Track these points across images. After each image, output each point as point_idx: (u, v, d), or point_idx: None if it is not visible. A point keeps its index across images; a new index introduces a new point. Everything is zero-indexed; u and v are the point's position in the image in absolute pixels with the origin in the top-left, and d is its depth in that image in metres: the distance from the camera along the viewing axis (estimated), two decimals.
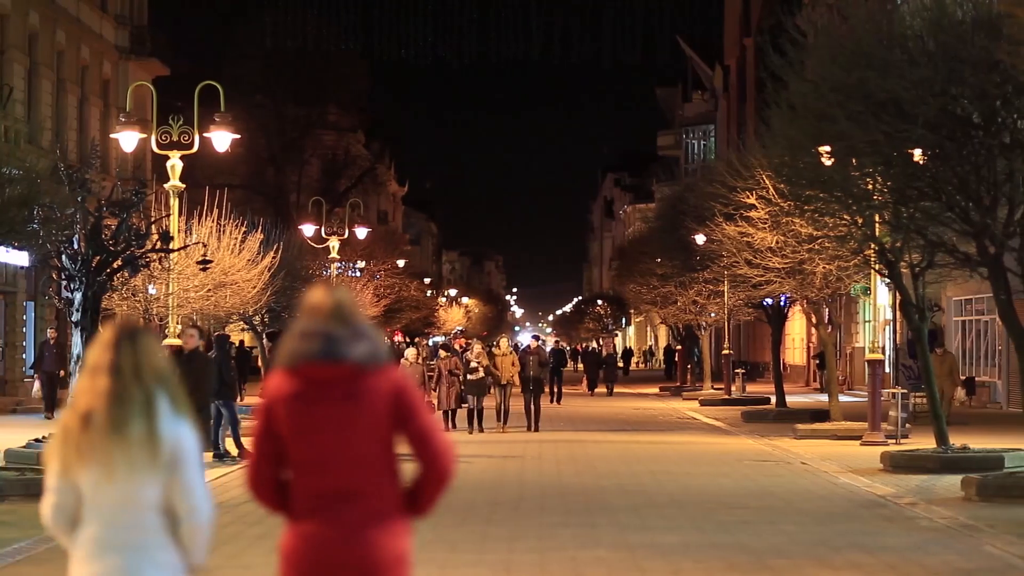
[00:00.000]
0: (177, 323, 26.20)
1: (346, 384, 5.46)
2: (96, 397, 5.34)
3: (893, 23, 19.85)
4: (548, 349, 50.08)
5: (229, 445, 25.29)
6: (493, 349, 36.53)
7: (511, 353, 33.78)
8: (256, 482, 5.63)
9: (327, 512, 5.51)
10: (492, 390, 32.74)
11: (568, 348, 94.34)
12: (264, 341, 38.33)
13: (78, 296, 23.04)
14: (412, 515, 5.62)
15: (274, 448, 5.55)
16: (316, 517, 5.51)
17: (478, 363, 32.06)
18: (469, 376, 31.97)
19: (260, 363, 40.35)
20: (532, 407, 32.86)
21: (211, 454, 23.29)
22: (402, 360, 32.23)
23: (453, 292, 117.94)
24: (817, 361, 53.71)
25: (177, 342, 23.82)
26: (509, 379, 32.63)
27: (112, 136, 32.75)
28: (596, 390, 58.89)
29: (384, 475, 5.55)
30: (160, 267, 27.99)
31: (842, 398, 36.89)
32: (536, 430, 31.98)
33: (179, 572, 5.34)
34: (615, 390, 59.98)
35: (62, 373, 33.07)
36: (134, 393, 5.33)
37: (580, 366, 68.09)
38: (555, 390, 47.33)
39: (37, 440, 23.71)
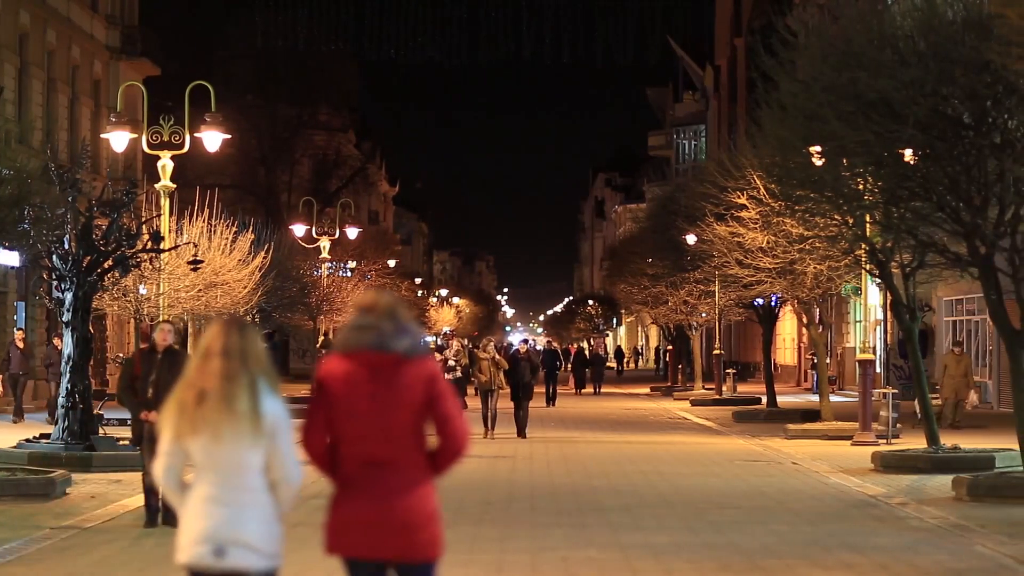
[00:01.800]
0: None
1: (390, 370, 6.70)
2: (209, 377, 6.44)
3: (884, 23, 19.86)
4: (539, 350, 49.43)
5: None
6: (476, 351, 34.73)
7: (497, 356, 31.83)
8: (310, 445, 6.76)
9: (369, 477, 6.68)
10: (471, 393, 30.77)
11: (559, 349, 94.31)
12: None
13: (69, 296, 23.02)
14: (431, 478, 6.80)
15: (325, 417, 6.73)
16: (359, 482, 6.69)
17: (456, 362, 30.92)
18: (446, 375, 29.06)
19: None
20: (521, 413, 31.08)
21: None
22: None
23: (444, 292, 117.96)
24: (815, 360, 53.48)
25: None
26: (495, 384, 30.97)
27: (103, 136, 32.66)
28: (583, 390, 59.00)
29: (416, 446, 6.74)
30: (151, 267, 27.98)
31: (833, 398, 36.89)
32: (524, 436, 30.40)
33: (274, 520, 6.49)
34: (602, 390, 60.11)
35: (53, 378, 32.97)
36: (241, 375, 6.44)
37: (568, 366, 68.00)
38: (550, 391, 46.58)
39: (28, 440, 23.69)
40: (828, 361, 42.55)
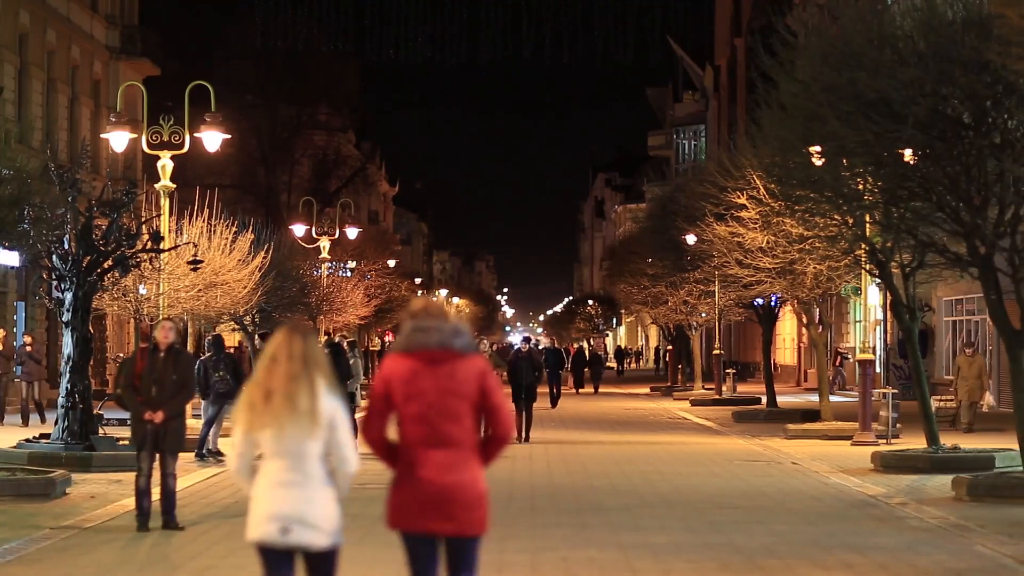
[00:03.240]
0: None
1: (449, 364, 7.68)
2: (275, 378, 7.45)
3: (883, 23, 19.85)
4: (542, 349, 48.76)
5: (222, 444, 25.30)
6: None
7: (491, 358, 30.09)
8: (370, 434, 7.75)
9: (427, 460, 7.62)
10: None
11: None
12: (256, 341, 38.25)
13: (68, 296, 23.02)
14: (482, 463, 7.75)
15: (386, 407, 7.69)
16: (419, 459, 7.63)
17: None
18: None
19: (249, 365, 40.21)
20: (523, 416, 29.83)
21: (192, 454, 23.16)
22: None
23: (444, 292, 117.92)
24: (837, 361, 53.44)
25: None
26: None
27: (103, 136, 32.67)
28: (582, 389, 59.00)
29: (469, 433, 7.69)
30: (151, 267, 27.96)
31: (832, 398, 36.89)
32: (527, 441, 29.37)
33: (334, 502, 7.46)
34: (602, 390, 60.12)
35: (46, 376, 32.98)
36: (303, 376, 7.45)
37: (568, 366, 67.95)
38: (554, 392, 45.68)
39: (28, 440, 23.69)
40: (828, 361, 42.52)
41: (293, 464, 7.43)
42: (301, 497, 7.39)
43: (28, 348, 34.98)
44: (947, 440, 23.87)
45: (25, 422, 32.34)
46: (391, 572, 9.17)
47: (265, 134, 78.85)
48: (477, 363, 7.77)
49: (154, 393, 15.30)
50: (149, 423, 15.22)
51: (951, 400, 31.48)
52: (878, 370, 39.90)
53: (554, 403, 44.49)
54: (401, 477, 7.68)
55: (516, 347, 34.09)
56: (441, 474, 7.61)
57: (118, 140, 28.02)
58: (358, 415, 24.30)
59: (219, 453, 24.90)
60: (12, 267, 38.24)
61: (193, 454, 23.56)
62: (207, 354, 25.48)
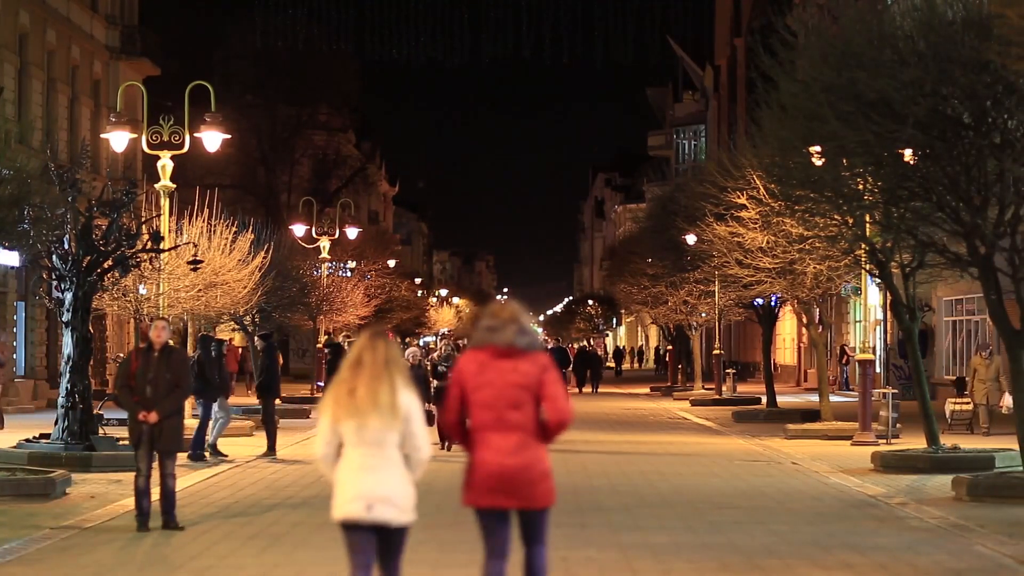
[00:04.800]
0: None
1: (513, 359, 8.88)
2: (360, 377, 8.59)
3: (883, 23, 19.84)
4: (550, 348, 48.64)
5: (220, 444, 25.29)
6: (456, 352, 30.65)
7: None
8: (447, 420, 9.02)
9: (494, 438, 8.81)
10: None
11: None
12: (255, 342, 38.27)
13: (68, 296, 23.00)
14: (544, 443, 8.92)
15: (461, 397, 8.90)
16: (488, 441, 8.82)
17: (447, 367, 28.48)
18: (437, 382, 27.50)
19: (251, 364, 40.20)
20: None
21: (187, 454, 23.07)
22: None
23: (444, 292, 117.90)
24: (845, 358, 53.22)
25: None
26: None
27: (103, 136, 32.66)
28: (583, 388, 59.12)
29: (533, 418, 8.85)
30: (151, 267, 27.96)
31: (833, 398, 36.87)
32: None
33: (409, 484, 8.62)
34: (602, 390, 60.14)
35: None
36: (383, 375, 8.60)
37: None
38: None
39: (28, 440, 23.67)
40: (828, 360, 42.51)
41: (375, 451, 8.57)
42: (382, 480, 8.54)
43: None
44: (966, 444, 23.78)
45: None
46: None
47: (265, 134, 78.86)
48: (539, 359, 8.93)
49: (149, 393, 15.27)
50: (144, 423, 15.21)
51: (967, 403, 30.73)
52: (878, 370, 39.91)
53: None
54: (472, 459, 8.89)
55: None
56: (504, 455, 8.79)
57: (118, 140, 28.02)
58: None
59: (218, 453, 24.91)
60: (12, 267, 38.19)
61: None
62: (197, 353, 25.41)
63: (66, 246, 23.04)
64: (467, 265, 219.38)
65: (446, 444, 24.46)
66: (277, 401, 28.63)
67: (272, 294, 36.18)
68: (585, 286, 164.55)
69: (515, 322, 8.97)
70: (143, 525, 15.34)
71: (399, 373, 8.66)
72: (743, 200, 30.21)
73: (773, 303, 38.97)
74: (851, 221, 21.74)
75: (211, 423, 24.86)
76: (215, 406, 24.93)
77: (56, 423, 23.10)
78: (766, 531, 15.46)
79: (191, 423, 23.69)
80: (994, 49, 17.17)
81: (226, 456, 24.75)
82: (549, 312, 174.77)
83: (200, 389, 24.24)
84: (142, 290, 30.25)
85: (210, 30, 76.95)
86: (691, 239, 38.89)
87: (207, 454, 24.44)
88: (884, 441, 27.19)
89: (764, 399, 40.76)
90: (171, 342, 15.92)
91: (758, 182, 28.37)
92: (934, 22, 18.88)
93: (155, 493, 15.45)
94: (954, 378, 41.73)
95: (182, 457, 19.94)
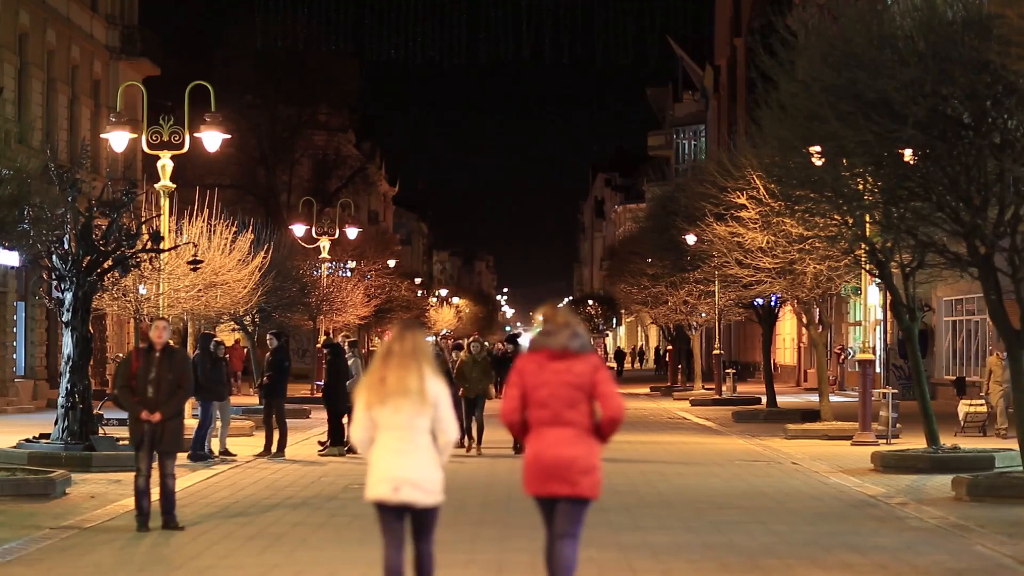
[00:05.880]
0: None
1: (567, 361, 9.55)
2: (390, 366, 9.31)
3: (883, 23, 19.83)
4: None
5: (216, 445, 25.30)
6: (456, 352, 30.73)
7: (484, 360, 27.19)
8: (508, 415, 9.64)
9: (550, 432, 9.48)
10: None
11: None
12: (267, 339, 38.24)
13: (68, 296, 23.00)
14: (599, 441, 9.58)
15: (520, 394, 9.57)
16: (543, 435, 9.50)
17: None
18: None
19: (252, 363, 40.18)
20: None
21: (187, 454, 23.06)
22: None
23: (444, 292, 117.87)
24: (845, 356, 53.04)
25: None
26: (480, 392, 26.60)
27: (103, 136, 32.67)
28: None
29: (585, 414, 9.52)
30: (150, 267, 27.97)
31: (832, 398, 36.87)
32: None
33: (437, 467, 9.34)
34: None
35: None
36: (412, 365, 9.30)
37: None
38: None
39: (28, 440, 23.67)
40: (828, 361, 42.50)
41: (404, 435, 9.22)
42: (411, 463, 9.19)
43: None
44: (966, 444, 23.74)
45: None
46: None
47: (265, 134, 78.86)
48: (591, 360, 9.58)
49: (150, 393, 15.25)
50: (146, 423, 15.19)
51: (981, 405, 30.12)
52: (878, 370, 39.91)
53: None
54: (531, 452, 9.55)
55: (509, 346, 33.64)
56: (558, 447, 9.45)
57: (118, 140, 28.02)
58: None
59: (218, 453, 24.91)
60: (12, 267, 38.20)
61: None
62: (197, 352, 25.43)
63: (66, 246, 23.03)
64: (467, 265, 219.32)
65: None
66: None
67: (272, 294, 36.19)
68: (585, 286, 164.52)
69: (568, 327, 9.64)
70: (143, 525, 15.33)
71: (427, 361, 9.34)
72: (743, 200, 30.21)
73: (773, 303, 38.97)
74: (851, 221, 21.74)
75: (217, 424, 24.90)
76: (215, 407, 24.93)
77: (56, 423, 23.10)
78: (766, 531, 15.46)
79: (191, 423, 23.71)
80: (994, 49, 17.17)
81: (235, 456, 24.79)
82: None
83: (201, 389, 24.27)
84: (142, 290, 30.26)
85: (210, 30, 77.03)
86: (691, 239, 38.89)
87: (218, 455, 24.50)
88: (884, 441, 27.19)
89: (764, 399, 40.77)
90: (171, 342, 15.91)
91: (758, 182, 28.37)
92: (934, 22, 18.88)
93: (155, 493, 15.44)
94: (954, 378, 41.83)
95: (182, 457, 19.96)
